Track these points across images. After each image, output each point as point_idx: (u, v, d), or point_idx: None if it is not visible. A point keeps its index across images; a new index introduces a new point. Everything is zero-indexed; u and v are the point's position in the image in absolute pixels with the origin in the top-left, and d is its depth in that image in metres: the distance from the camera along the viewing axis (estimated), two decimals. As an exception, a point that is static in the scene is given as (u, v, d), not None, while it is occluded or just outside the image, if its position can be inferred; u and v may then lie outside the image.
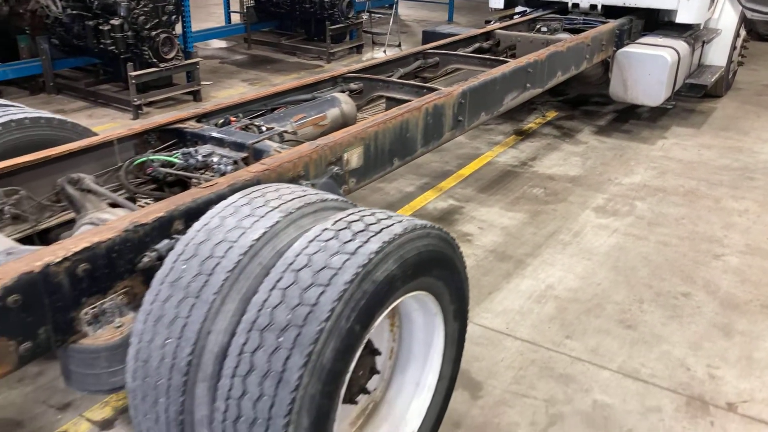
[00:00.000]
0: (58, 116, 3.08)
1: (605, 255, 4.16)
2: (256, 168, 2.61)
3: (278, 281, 1.80)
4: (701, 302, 3.66)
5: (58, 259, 1.93)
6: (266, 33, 10.61)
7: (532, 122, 6.92)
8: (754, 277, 3.92)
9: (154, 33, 6.56)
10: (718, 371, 3.09)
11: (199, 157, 2.92)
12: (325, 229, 1.93)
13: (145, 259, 2.13)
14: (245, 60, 9.71)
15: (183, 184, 3.13)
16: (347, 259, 1.80)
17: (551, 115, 7.19)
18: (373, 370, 2.30)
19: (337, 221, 1.96)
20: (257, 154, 2.96)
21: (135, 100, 6.58)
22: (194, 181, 3.09)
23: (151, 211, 2.22)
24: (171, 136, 3.24)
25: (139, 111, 6.67)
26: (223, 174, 2.83)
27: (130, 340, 1.96)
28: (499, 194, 5.07)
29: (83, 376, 2.12)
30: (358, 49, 10.23)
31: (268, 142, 3.02)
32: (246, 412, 1.70)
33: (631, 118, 7.10)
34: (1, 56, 7.24)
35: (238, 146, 2.99)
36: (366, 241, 1.86)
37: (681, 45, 6.32)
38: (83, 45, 7.01)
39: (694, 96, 6.99)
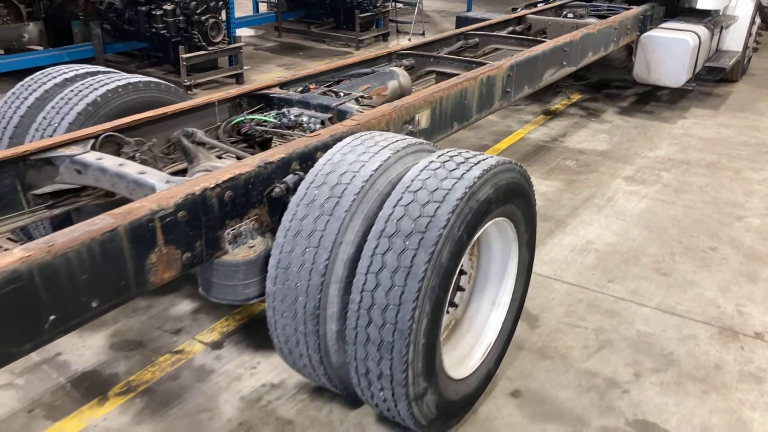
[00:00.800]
0: (163, 81, 3.50)
1: (637, 216, 4.57)
2: (349, 123, 3.02)
3: (399, 200, 2.22)
4: (727, 255, 4.06)
5: (212, 185, 2.35)
6: (294, 22, 11.00)
7: (558, 104, 7.31)
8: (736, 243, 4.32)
9: (203, 18, 6.97)
10: (746, 309, 3.50)
11: (291, 117, 3.33)
12: (432, 161, 2.35)
13: (276, 189, 2.54)
14: (277, 47, 10.12)
15: (266, 144, 3.56)
16: (456, 182, 2.22)
17: (576, 97, 7.58)
18: (459, 288, 2.72)
19: (440, 156, 2.38)
20: (340, 115, 3.37)
21: (186, 81, 7.00)
22: (275, 140, 3.52)
23: (276, 152, 2.63)
24: (258, 101, 3.65)
25: (189, 92, 7.09)
26: (312, 131, 3.25)
27: (272, 252, 2.38)
28: (535, 165, 5.47)
29: (223, 287, 2.54)
30: (384, 37, 10.63)
31: (349, 104, 3.43)
32: (379, 301, 2.12)
33: (651, 101, 7.48)
34: (55, 41, 7.68)
35: (324, 108, 3.40)
36: (468, 170, 2.27)
37: (701, 30, 6.70)
38: (133, 30, 7.43)
39: (712, 78, 7.37)
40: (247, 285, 2.57)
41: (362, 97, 3.65)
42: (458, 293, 2.73)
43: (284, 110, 3.39)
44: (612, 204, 4.76)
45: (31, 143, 2.77)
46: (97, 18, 7.51)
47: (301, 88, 3.82)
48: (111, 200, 2.99)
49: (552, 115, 6.90)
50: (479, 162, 2.33)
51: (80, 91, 3.21)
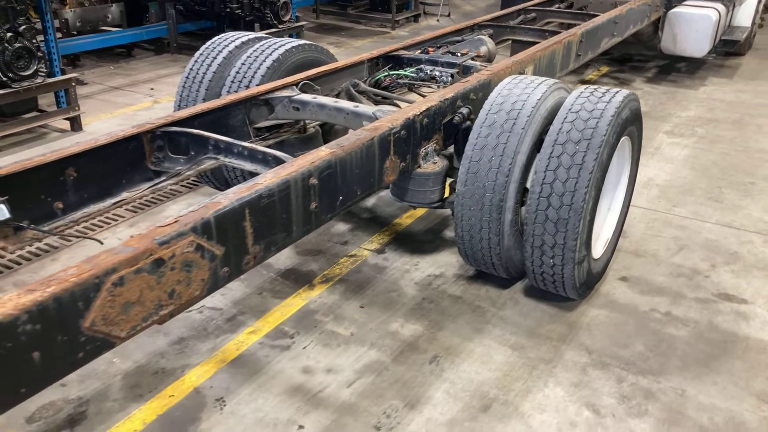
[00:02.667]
0: (319, 45, 4.27)
1: (683, 161, 5.43)
2: (486, 73, 3.82)
3: (565, 119, 3.04)
4: (764, 187, 4.94)
5: (417, 113, 3.15)
6: (329, 4, 11.73)
7: (591, 74, 8.16)
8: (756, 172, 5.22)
9: (275, -2, 7.72)
10: (786, 223, 4.39)
11: (428, 71, 4.14)
12: (581, 92, 3.18)
13: (456, 118, 3.36)
14: (317, 27, 10.85)
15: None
16: (607, 104, 3.05)
17: (604, 69, 8.43)
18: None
19: (586, 88, 3.21)
20: (465, 70, 4.18)
21: (259, 55, 7.72)
22: (398, 91, 4.31)
23: (447, 92, 3.43)
24: (388, 61, 4.44)
25: (262, 65, 7.82)
26: (444, 83, 4.05)
27: (461, 162, 3.19)
28: (586, 123, 6.30)
29: (416, 192, 3.35)
30: (416, 19, 11.40)
31: (470, 61, 4.24)
32: (557, 189, 2.94)
33: (672, 71, 8.35)
34: (131, 21, 8.36)
35: (451, 65, 4.20)
36: (613, 96, 3.11)
37: (720, 6, 7.56)
38: (204, 10, 8.15)
39: (727, 50, 8.26)
40: (433, 192, 3.38)
41: (478, 55, 4.46)
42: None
43: (421, 66, 4.20)
44: (660, 152, 5.63)
45: (254, 88, 3.54)
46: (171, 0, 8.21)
47: (420, 50, 4.62)
48: (304, 135, 3.79)
49: (588, 83, 7.75)
50: (617, 92, 3.16)
51: (263, 51, 3.98)
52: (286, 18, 7.92)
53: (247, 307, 3.39)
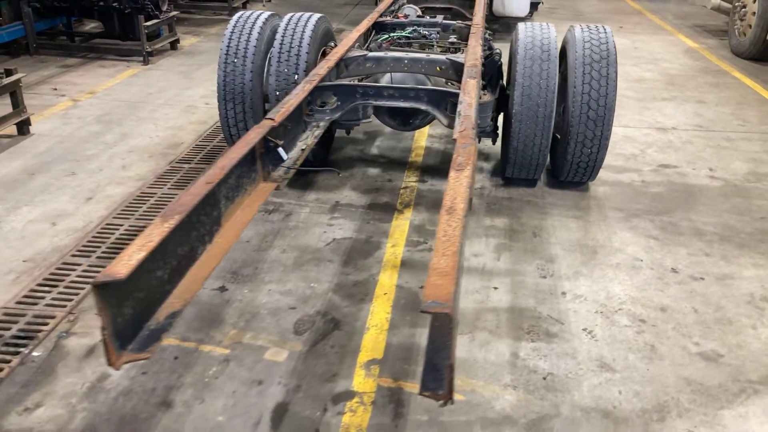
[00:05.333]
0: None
1: (562, 91, 7.04)
2: (479, 26, 4.85)
3: (583, 47, 4.23)
4: (627, 102, 6.74)
5: (484, 54, 4.08)
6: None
7: (438, 39, 9.56)
8: (620, 92, 7.15)
9: (155, -11, 7.71)
10: (658, 119, 6.18)
11: (421, 31, 5.04)
12: (581, 28, 4.39)
13: (496, 57, 4.34)
14: (150, 21, 10.65)
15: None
16: (605, 34, 4.30)
17: (443, 34, 9.91)
18: (576, 107, 4.82)
19: (581, 26, 4.43)
20: (445, 27, 5.17)
21: (147, 48, 7.69)
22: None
23: (477, 38, 4.39)
24: (374, 27, 5.23)
25: (150, 57, 7.78)
26: (436, 39, 5.00)
27: (514, 90, 4.20)
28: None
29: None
30: (244, 6, 11.77)
31: (446, 21, 5.24)
32: (593, 95, 4.13)
33: (500, 30, 10.13)
34: (-23, 23, 7.62)
35: (432, 24, 5.16)
36: (604, 27, 4.37)
37: (528, -25, 9.47)
38: (66, 6, 7.78)
39: (533, 11, 10.28)
40: (488, 118, 4.34)
41: (447, 17, 5.46)
42: (573, 111, 4.82)
43: (415, 27, 5.07)
44: (541, 88, 7.19)
45: (337, 50, 4.13)
46: (24, -4, 7.66)
47: (391, 16, 5.47)
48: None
49: (443, 46, 9.13)
50: (602, 26, 4.44)
51: (297, 23, 4.51)
52: (165, 8, 7.95)
53: (369, 232, 4.03)
